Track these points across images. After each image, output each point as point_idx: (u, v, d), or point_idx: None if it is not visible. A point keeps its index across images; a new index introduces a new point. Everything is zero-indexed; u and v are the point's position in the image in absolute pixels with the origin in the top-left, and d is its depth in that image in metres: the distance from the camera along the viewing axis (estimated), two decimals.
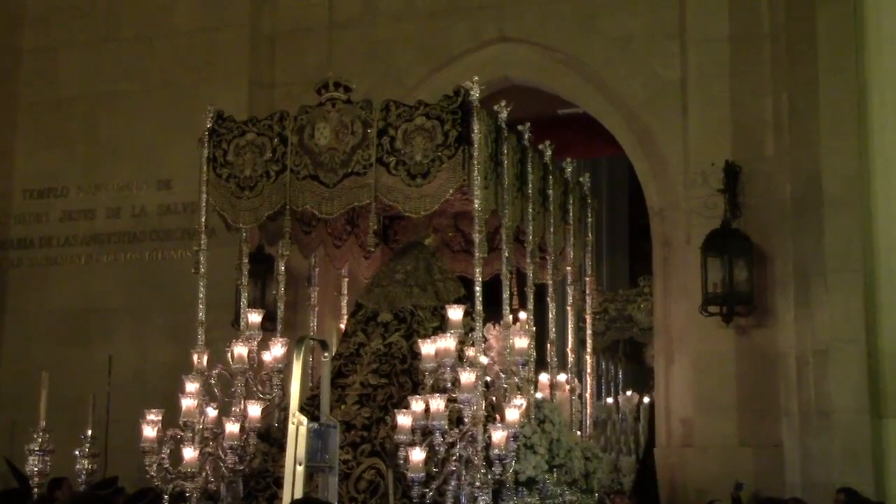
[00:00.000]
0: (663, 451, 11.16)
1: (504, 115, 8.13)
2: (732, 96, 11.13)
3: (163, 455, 8.00)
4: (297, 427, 4.69)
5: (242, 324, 8.55)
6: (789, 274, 10.61)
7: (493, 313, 8.38)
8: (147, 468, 8.00)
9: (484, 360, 7.92)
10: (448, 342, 7.75)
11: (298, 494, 4.64)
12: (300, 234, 9.09)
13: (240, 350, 8.29)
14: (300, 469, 4.65)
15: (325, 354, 4.85)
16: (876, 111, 10.47)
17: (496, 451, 7.42)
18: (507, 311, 8.38)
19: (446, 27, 12.19)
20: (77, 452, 8.77)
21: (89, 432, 8.97)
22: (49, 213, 12.82)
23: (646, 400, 15.26)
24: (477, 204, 7.73)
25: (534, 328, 8.56)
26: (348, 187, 8.00)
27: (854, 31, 10.59)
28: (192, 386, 8.13)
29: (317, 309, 9.53)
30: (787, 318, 10.58)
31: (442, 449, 7.45)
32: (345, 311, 9.72)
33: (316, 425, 4.71)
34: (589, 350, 10.04)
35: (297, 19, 12.55)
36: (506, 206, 8.13)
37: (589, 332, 10.10)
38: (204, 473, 8.02)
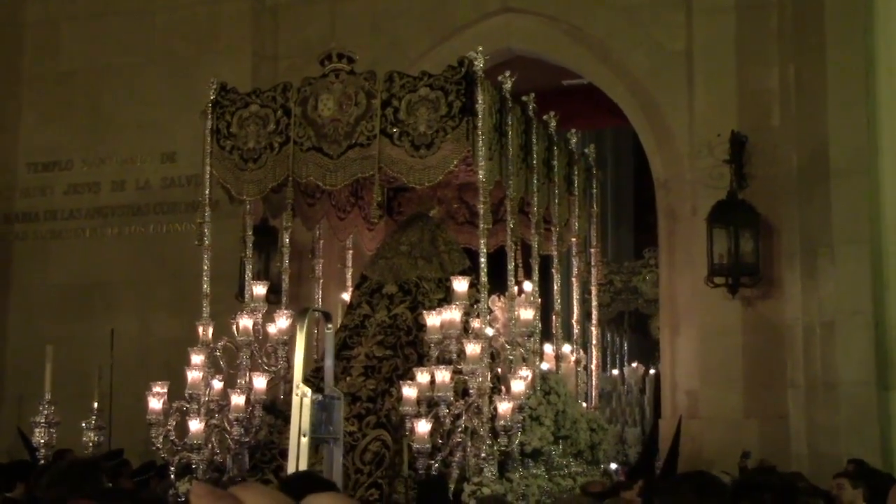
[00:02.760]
0: (669, 423, 11.16)
1: (508, 85, 8.08)
2: (738, 67, 11.05)
3: (169, 427, 8.02)
4: (301, 398, 4.69)
5: (247, 296, 8.55)
6: (795, 245, 10.55)
7: (498, 285, 8.36)
8: (153, 440, 8.03)
9: (489, 331, 7.91)
10: (453, 314, 7.74)
11: (303, 466, 4.64)
12: (304, 207, 9.07)
13: (245, 322, 8.29)
14: (304, 441, 4.65)
15: (329, 326, 4.84)
16: (884, 81, 10.37)
17: (502, 422, 7.42)
18: (513, 283, 8.36)
19: None
20: (83, 425, 8.79)
21: (95, 405, 8.98)
22: (53, 187, 12.78)
23: (651, 371, 15.27)
24: (481, 175, 7.70)
25: (539, 299, 8.55)
26: (352, 159, 7.97)
27: (862, 1, 10.49)
28: (197, 358, 8.14)
29: (321, 281, 9.52)
30: (793, 290, 10.53)
31: (447, 420, 7.45)
32: (349, 282, 9.70)
33: (320, 397, 4.70)
34: (594, 321, 10.04)
35: None
36: (510, 177, 8.10)
37: (594, 303, 10.09)
38: (210, 445, 8.04)
